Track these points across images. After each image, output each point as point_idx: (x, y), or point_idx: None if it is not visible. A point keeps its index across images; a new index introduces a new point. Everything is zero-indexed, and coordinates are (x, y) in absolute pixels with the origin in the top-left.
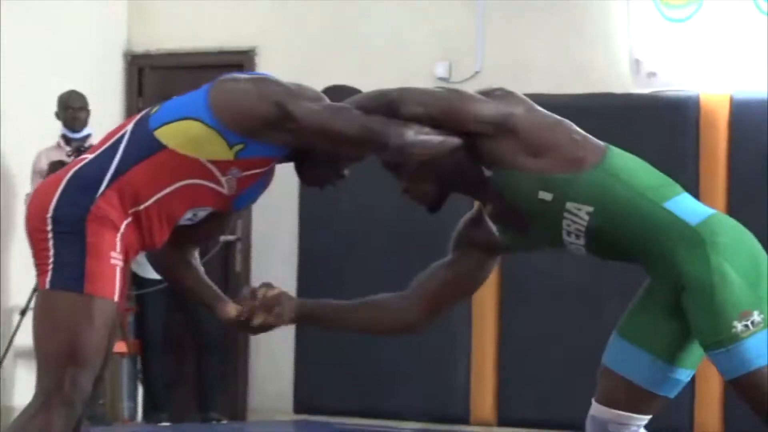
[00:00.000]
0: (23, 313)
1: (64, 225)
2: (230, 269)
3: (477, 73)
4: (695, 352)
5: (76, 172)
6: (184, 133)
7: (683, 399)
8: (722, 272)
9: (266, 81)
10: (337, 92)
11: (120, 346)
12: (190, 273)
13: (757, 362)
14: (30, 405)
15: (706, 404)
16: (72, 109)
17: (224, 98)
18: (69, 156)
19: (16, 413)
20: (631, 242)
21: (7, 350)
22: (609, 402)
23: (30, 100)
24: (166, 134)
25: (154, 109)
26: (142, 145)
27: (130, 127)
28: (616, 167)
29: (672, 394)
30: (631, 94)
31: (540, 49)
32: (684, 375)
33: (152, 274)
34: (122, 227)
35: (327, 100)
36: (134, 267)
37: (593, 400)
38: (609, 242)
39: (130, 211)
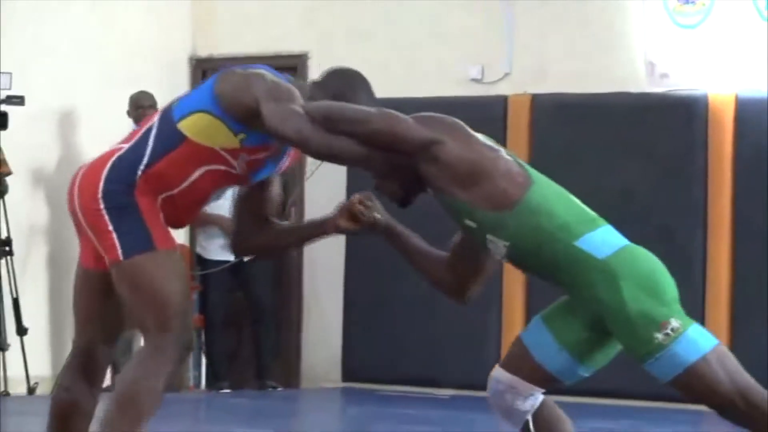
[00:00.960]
0: None
1: (115, 200)
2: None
3: (506, 74)
4: (600, 360)
5: (117, 159)
6: (198, 125)
7: None
8: (631, 296)
9: (256, 76)
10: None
11: None
12: (280, 230)
13: (688, 360)
14: (143, 350)
15: None
16: (142, 108)
17: (225, 88)
18: None
19: None
20: (547, 272)
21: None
22: (510, 368)
23: (105, 100)
24: (186, 126)
25: (175, 103)
26: (169, 136)
27: (156, 119)
28: (535, 206)
29: (568, 381)
30: (645, 94)
31: (563, 52)
32: (585, 372)
33: (214, 256)
34: (158, 205)
35: (298, 103)
36: (198, 249)
37: (497, 365)
38: (528, 269)
39: (161, 196)
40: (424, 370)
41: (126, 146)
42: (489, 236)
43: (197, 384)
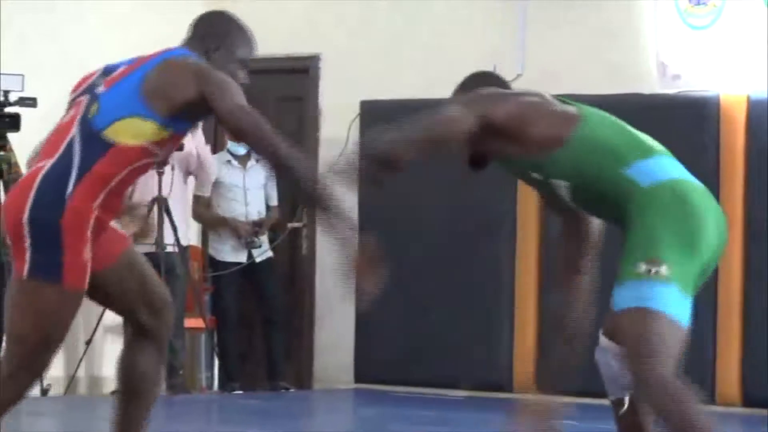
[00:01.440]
0: None
1: (40, 227)
2: (297, 252)
3: (519, 75)
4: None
5: (44, 177)
6: (126, 129)
7: (704, 372)
8: (652, 224)
9: (201, 72)
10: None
11: (198, 323)
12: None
13: (643, 303)
14: None
15: (725, 377)
16: None
17: (155, 88)
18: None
19: (105, 382)
20: (609, 212)
21: (96, 327)
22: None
23: None
24: (113, 133)
25: (93, 110)
26: (95, 146)
27: (75, 130)
28: (585, 139)
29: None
30: (657, 95)
31: (576, 53)
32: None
33: (226, 257)
34: (93, 215)
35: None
36: (211, 251)
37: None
38: (595, 211)
39: (101, 194)
40: (437, 371)
41: (49, 162)
42: (552, 180)
43: (209, 385)
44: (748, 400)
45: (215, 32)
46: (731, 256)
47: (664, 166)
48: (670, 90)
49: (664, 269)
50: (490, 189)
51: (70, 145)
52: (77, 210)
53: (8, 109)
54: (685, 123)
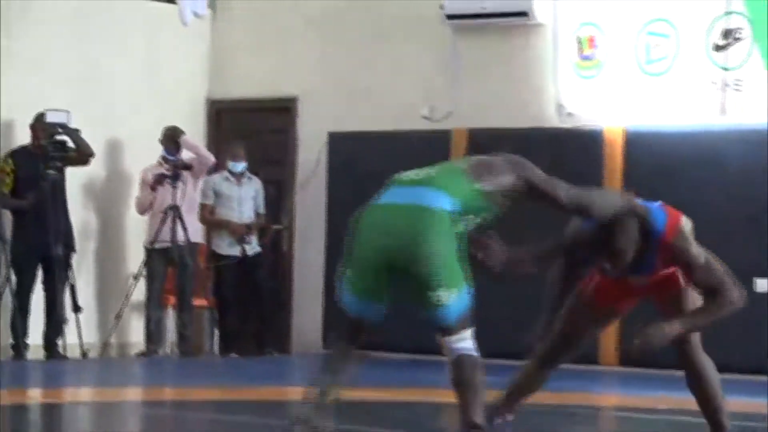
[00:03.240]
0: (135, 277)
1: None
2: (279, 250)
3: (450, 113)
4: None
5: None
6: None
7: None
8: None
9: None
10: None
11: (203, 302)
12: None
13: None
14: None
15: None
16: (173, 139)
17: None
18: (167, 171)
19: (131, 347)
20: None
21: (124, 304)
22: None
23: (139, 132)
24: None
25: None
26: None
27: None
28: None
29: None
30: (556, 128)
31: (493, 95)
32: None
33: (225, 251)
34: None
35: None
36: (213, 246)
37: None
38: None
39: None
40: (387, 338)
41: None
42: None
43: (212, 350)
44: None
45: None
46: None
47: (382, 193)
48: (565, 125)
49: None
50: None
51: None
52: None
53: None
54: (578, 150)
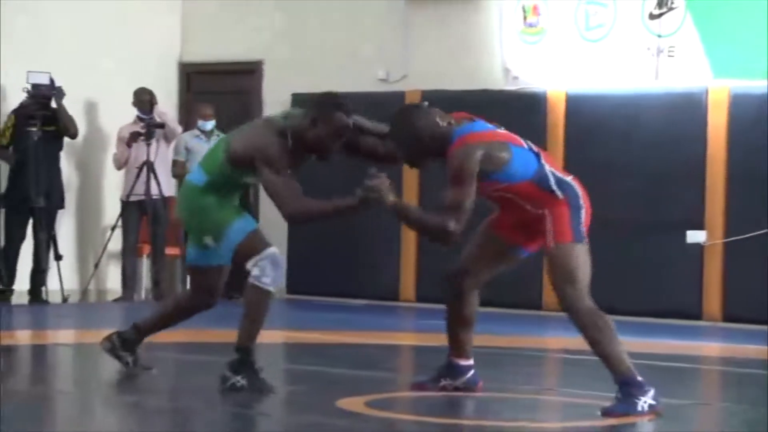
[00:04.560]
0: (112, 229)
1: None
2: (246, 201)
3: (405, 76)
4: None
5: None
6: None
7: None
8: None
9: None
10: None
11: (175, 251)
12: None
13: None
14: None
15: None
16: (143, 100)
17: None
18: (142, 129)
19: (108, 294)
20: None
21: (102, 253)
22: None
23: (116, 93)
24: None
25: None
26: None
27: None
28: None
29: None
30: (502, 90)
31: (445, 60)
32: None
33: None
34: None
35: None
36: None
37: None
38: None
39: None
40: (345, 285)
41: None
42: None
43: None
44: None
45: None
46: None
47: None
48: (511, 87)
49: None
50: None
51: None
52: None
53: None
54: (522, 112)
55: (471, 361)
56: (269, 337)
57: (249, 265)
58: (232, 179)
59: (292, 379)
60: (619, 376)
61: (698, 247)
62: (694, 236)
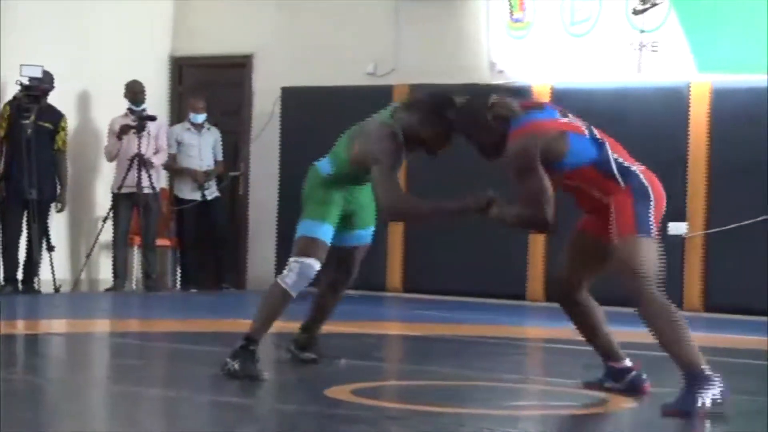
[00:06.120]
0: (104, 220)
1: None
2: (236, 194)
3: (392, 70)
4: None
5: None
6: None
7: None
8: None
9: None
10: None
11: (166, 242)
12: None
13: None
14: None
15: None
16: (135, 92)
17: None
18: (133, 122)
19: (100, 283)
20: None
21: (93, 245)
22: None
23: (108, 86)
24: None
25: None
26: None
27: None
28: None
29: None
30: (488, 84)
31: (432, 54)
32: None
33: (187, 196)
34: None
35: None
36: (175, 191)
37: None
38: None
39: None
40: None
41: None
42: None
43: (173, 286)
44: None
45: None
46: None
47: None
48: (497, 81)
49: None
50: None
51: None
52: None
53: None
54: None
55: (626, 362)
56: None
57: (289, 260)
58: (355, 176)
59: (281, 368)
60: (686, 369)
61: (680, 239)
62: (676, 228)
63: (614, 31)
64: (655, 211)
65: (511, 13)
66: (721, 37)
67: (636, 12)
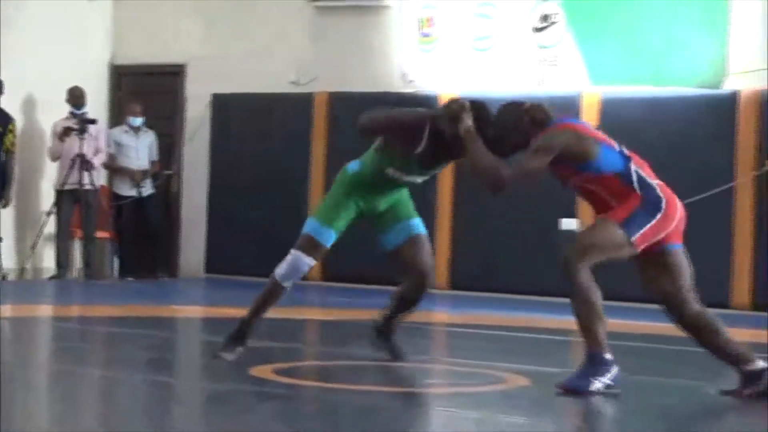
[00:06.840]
0: (48, 214)
1: None
2: (169, 191)
3: (314, 79)
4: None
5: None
6: None
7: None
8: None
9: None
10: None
11: (106, 234)
12: None
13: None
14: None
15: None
16: (76, 97)
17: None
18: (75, 125)
19: (44, 272)
20: None
21: (38, 237)
22: None
23: (52, 91)
24: None
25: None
26: None
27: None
28: None
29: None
30: (400, 93)
31: (350, 65)
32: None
33: (125, 192)
34: None
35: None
36: (114, 188)
37: None
38: None
39: None
40: (262, 266)
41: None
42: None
43: (112, 275)
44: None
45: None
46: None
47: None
48: (408, 90)
49: None
50: None
51: None
52: None
53: None
54: None
55: (759, 364)
56: (192, 312)
57: (291, 250)
58: (381, 176)
59: (211, 350)
60: (589, 350)
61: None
62: (568, 224)
63: (516, 47)
64: (664, 225)
65: (421, 28)
66: (611, 53)
67: (537, 29)
